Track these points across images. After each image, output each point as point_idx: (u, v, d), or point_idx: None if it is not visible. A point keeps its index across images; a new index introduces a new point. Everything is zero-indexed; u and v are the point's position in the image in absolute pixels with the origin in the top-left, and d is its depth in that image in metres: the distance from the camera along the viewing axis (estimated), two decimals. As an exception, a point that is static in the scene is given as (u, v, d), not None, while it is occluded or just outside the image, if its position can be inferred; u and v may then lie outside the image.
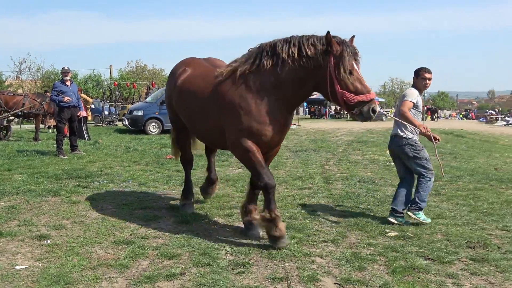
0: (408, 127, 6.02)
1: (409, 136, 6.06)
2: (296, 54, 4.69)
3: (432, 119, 52.20)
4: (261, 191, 5.17)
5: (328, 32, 4.57)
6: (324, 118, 46.34)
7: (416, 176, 6.16)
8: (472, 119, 70.93)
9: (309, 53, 4.65)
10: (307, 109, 54.72)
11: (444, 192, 8.07)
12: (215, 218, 6.10)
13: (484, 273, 4.39)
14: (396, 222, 5.98)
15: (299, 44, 4.70)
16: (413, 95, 6.04)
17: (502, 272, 4.41)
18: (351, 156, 13.39)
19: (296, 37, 4.78)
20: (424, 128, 5.89)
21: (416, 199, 6.03)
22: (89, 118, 16.57)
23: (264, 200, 4.96)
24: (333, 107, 54.15)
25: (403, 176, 6.24)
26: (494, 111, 64.76)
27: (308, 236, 5.40)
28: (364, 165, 11.46)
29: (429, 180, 6.02)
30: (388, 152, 6.86)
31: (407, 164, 6.13)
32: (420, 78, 6.08)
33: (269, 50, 4.85)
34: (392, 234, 5.55)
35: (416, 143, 6.05)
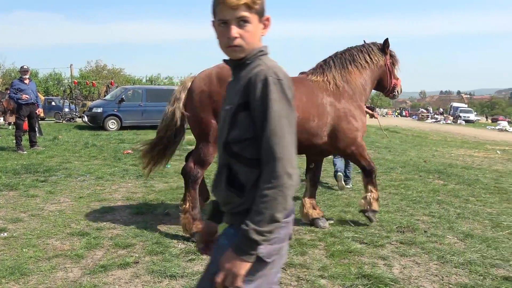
0: None
1: None
2: (371, 60, 5.52)
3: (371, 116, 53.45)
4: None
5: (387, 38, 5.59)
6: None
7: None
8: (406, 116, 73.36)
9: (376, 57, 5.58)
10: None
11: (378, 183, 8.28)
12: (168, 209, 6.01)
13: (411, 255, 4.53)
14: (350, 186, 7.78)
15: (369, 51, 5.55)
16: None
17: (427, 254, 4.57)
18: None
19: (365, 45, 5.60)
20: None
21: (348, 174, 7.90)
22: (41, 114, 16.09)
23: (370, 183, 5.42)
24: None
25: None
26: (425, 109, 67.07)
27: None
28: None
29: None
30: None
31: None
32: None
33: (350, 59, 5.44)
34: (332, 221, 5.65)
35: None
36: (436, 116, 56.39)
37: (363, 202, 5.50)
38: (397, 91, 5.85)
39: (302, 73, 5.68)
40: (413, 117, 63.08)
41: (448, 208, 6.52)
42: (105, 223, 5.35)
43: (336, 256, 4.39)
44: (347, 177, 7.92)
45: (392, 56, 5.71)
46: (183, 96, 4.78)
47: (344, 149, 5.27)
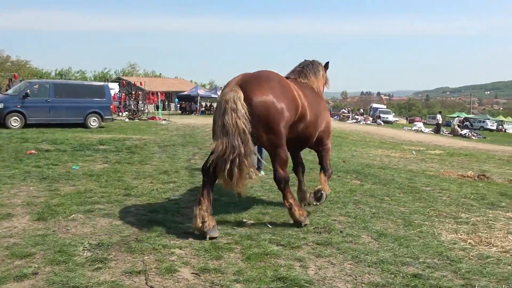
0: None
1: None
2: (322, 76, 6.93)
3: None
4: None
5: (328, 62, 7.12)
6: (194, 114, 46.26)
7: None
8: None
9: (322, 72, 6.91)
10: (178, 105, 54.29)
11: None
12: (74, 215, 5.75)
13: (327, 255, 4.69)
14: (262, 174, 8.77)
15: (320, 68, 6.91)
16: None
17: (342, 254, 4.75)
18: (217, 150, 13.52)
19: (317, 62, 6.95)
20: None
21: (260, 165, 8.82)
22: None
23: (325, 181, 6.57)
24: (203, 104, 54.39)
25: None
26: (346, 110, 69.71)
27: (169, 228, 5.32)
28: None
29: None
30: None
31: None
32: None
33: (317, 69, 6.82)
34: (249, 223, 5.70)
35: None
36: (356, 116, 58.84)
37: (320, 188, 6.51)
38: None
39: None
40: (335, 117, 65.28)
41: (364, 208, 6.82)
42: (0, 231, 5.00)
43: (252, 259, 4.43)
44: (258, 168, 8.91)
45: (324, 76, 7.01)
46: (240, 105, 5.01)
47: (326, 143, 6.67)
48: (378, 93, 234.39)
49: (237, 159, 4.95)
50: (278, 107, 5.21)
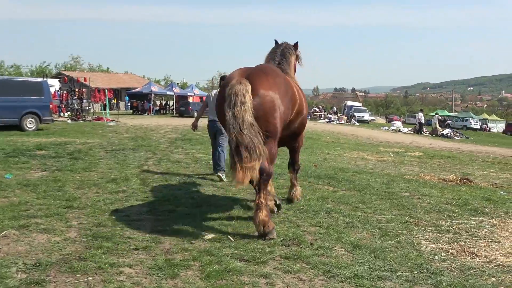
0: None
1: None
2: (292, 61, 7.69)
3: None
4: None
5: (297, 42, 7.89)
6: (147, 114, 45.85)
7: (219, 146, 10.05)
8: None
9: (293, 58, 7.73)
10: (128, 104, 53.68)
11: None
12: (6, 231, 5.59)
13: (296, 271, 4.72)
14: (225, 180, 9.53)
15: (291, 52, 7.71)
16: None
17: (313, 268, 4.79)
18: (173, 155, 13.50)
19: (288, 45, 7.78)
20: None
21: (223, 166, 9.84)
22: None
23: (296, 176, 7.83)
24: (157, 102, 53.99)
25: (217, 147, 10.05)
26: (318, 108, 70.43)
27: (118, 244, 5.25)
28: (186, 164, 11.65)
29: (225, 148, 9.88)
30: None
31: (219, 138, 10.01)
32: None
33: (287, 59, 7.55)
34: (209, 236, 5.69)
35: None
36: (329, 115, 59.46)
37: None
38: None
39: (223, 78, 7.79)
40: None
41: (337, 217, 6.91)
42: None
43: (212, 277, 4.42)
44: (219, 166, 9.98)
45: (297, 56, 7.87)
46: (248, 98, 5.66)
47: (302, 139, 7.67)
48: (353, 90, 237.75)
49: (249, 148, 5.53)
50: (281, 103, 6.01)
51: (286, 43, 7.84)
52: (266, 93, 5.89)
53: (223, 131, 9.81)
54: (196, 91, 56.12)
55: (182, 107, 45.06)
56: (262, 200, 5.83)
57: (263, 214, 5.74)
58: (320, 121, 53.59)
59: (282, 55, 7.55)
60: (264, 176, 5.84)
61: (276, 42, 7.91)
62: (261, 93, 5.84)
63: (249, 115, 5.62)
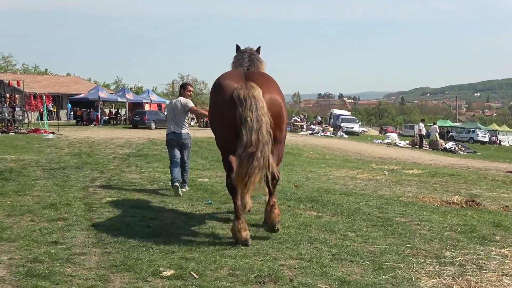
0: (187, 125, 11.60)
1: (190, 133, 11.58)
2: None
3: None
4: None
5: (260, 46, 9.17)
6: (94, 125, 45.52)
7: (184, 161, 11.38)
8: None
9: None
10: (71, 113, 53.20)
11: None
12: None
13: (273, 313, 4.71)
14: (186, 189, 11.09)
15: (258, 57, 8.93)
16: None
17: (293, 310, 4.79)
18: (125, 174, 13.44)
19: (253, 50, 8.97)
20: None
21: (185, 179, 11.37)
22: None
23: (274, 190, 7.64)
24: (107, 110, 53.65)
25: (178, 160, 11.14)
26: (299, 117, 70.88)
27: (57, 284, 5.20)
28: (141, 186, 11.61)
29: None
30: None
31: (184, 152, 11.32)
32: (187, 91, 11.69)
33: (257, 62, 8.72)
34: (168, 273, 5.65)
35: (191, 137, 11.65)
36: (312, 126, 59.91)
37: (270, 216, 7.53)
38: None
39: None
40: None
41: (322, 248, 6.95)
42: None
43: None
44: (184, 182, 11.26)
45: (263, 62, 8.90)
46: (264, 103, 7.08)
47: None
48: (341, 96, 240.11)
49: (265, 154, 6.85)
50: (285, 109, 7.67)
51: (250, 48, 9.00)
52: (275, 98, 7.42)
53: (189, 144, 11.52)
54: (153, 97, 56.12)
55: (136, 116, 45.07)
56: (275, 199, 7.55)
57: (277, 211, 7.45)
58: (301, 132, 53.96)
59: (251, 61, 8.63)
60: (274, 182, 7.32)
61: (237, 47, 9.07)
62: (270, 97, 7.29)
63: (267, 119, 6.98)
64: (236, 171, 6.98)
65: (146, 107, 50.97)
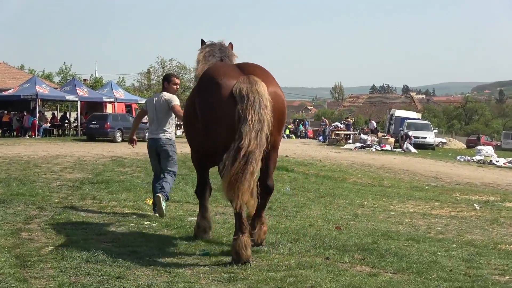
0: (172, 128, 13.11)
1: (173, 138, 13.14)
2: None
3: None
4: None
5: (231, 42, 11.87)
6: (30, 136, 45.63)
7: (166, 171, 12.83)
8: (308, 137, 76.26)
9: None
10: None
11: (245, 274, 8.52)
12: None
13: None
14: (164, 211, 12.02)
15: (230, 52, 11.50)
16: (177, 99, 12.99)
17: None
18: (76, 211, 13.50)
19: (224, 45, 11.47)
20: None
21: (165, 191, 12.22)
22: None
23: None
24: (48, 114, 53.62)
25: (158, 172, 13.04)
26: (343, 123, 70.30)
27: None
28: (101, 228, 11.66)
29: (175, 176, 13.26)
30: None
31: (167, 162, 12.83)
32: (172, 84, 13.12)
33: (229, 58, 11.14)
34: None
35: (174, 144, 13.15)
36: (363, 136, 58.75)
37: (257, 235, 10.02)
38: None
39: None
40: (319, 138, 65.88)
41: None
42: None
43: None
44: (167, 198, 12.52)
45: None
46: (269, 101, 8.94)
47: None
48: (406, 89, 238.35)
49: (258, 159, 8.64)
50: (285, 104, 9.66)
51: (220, 43, 11.54)
52: (279, 94, 9.50)
53: (171, 152, 13.00)
54: (119, 93, 55.54)
55: (93, 123, 44.77)
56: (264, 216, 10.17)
57: (266, 228, 10.22)
58: (346, 146, 53.53)
59: (223, 52, 11.20)
60: (269, 194, 9.99)
61: (202, 42, 11.70)
62: (274, 93, 9.32)
63: (271, 121, 8.83)
64: (226, 176, 8.63)
65: (109, 109, 50.87)
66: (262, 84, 8.87)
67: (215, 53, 10.95)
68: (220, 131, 9.05)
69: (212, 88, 9.19)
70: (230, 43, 11.59)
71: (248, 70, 9.33)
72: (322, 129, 68.74)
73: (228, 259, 9.13)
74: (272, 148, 9.28)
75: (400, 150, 51.88)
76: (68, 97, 51.19)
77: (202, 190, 11.20)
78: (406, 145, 53.71)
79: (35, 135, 45.96)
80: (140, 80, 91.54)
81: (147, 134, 13.74)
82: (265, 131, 8.66)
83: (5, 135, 46.74)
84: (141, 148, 19.05)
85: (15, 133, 47.02)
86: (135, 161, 25.01)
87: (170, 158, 12.72)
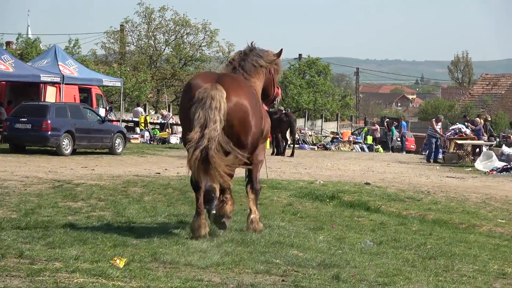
0: None
1: None
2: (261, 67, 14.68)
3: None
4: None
5: (282, 49, 15.97)
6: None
7: None
8: (408, 149, 67.46)
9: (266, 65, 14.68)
10: None
11: None
12: None
13: None
14: None
15: (262, 57, 14.52)
16: None
17: None
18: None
19: (258, 51, 14.53)
20: None
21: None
22: None
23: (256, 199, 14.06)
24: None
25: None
26: (465, 124, 59.79)
27: None
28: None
29: None
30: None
31: None
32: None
33: (252, 64, 14.15)
34: None
35: None
36: (506, 149, 47.72)
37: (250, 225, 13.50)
38: (277, 101, 15.43)
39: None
40: (424, 153, 56.79)
41: None
42: None
43: None
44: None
45: (276, 64, 14.53)
46: (223, 105, 12.14)
47: (260, 155, 14.13)
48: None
49: (209, 150, 11.54)
50: (254, 114, 12.74)
51: (251, 48, 14.05)
52: (241, 102, 12.33)
53: None
54: (70, 68, 42.79)
55: (21, 120, 33.07)
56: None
57: (231, 206, 13.10)
58: (477, 165, 44.00)
59: (242, 61, 13.73)
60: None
61: (249, 46, 14.39)
62: (236, 101, 12.18)
63: (220, 120, 11.68)
64: (187, 164, 11.86)
65: (50, 95, 39.62)
66: (220, 91, 11.70)
67: (233, 61, 13.91)
68: (187, 127, 12.19)
69: (185, 93, 13.25)
70: (280, 51, 14.66)
71: (221, 80, 12.25)
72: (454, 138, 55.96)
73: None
74: (240, 146, 12.18)
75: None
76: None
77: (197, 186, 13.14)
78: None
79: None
80: (107, 45, 75.20)
81: None
82: (213, 128, 11.42)
83: None
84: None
85: None
86: (95, 190, 20.52)
87: None
